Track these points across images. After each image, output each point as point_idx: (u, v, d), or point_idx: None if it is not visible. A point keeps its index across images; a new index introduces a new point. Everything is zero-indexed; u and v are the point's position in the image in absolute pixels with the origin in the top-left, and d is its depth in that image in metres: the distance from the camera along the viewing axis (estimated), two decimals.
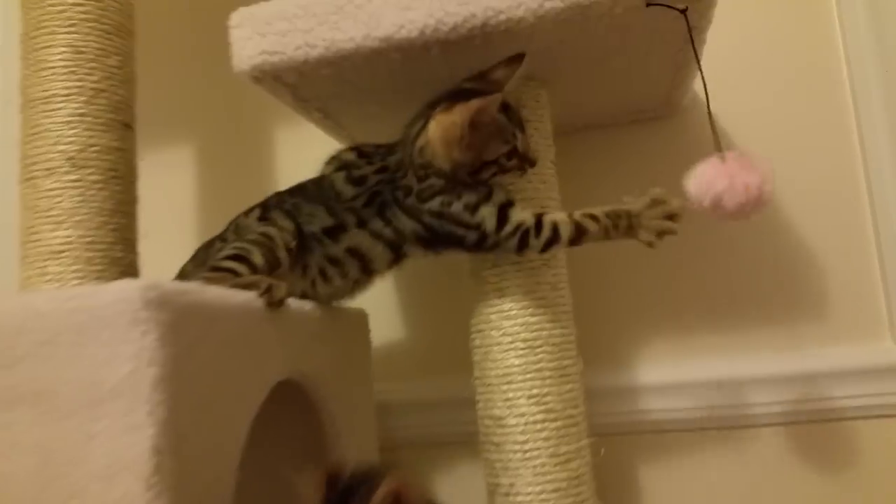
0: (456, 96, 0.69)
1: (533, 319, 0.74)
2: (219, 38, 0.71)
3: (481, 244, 0.70)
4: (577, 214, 0.69)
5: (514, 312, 0.74)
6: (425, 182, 0.70)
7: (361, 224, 0.74)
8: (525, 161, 0.71)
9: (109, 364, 0.50)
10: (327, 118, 0.83)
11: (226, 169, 1.15)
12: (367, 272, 0.76)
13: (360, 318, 0.91)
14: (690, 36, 0.66)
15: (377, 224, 0.73)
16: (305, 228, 0.75)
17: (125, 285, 0.51)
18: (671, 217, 0.68)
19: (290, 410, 0.78)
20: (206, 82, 1.16)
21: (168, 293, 0.51)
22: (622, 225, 0.68)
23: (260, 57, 0.69)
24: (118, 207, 0.78)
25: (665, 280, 0.97)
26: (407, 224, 0.72)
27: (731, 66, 0.96)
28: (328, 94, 0.77)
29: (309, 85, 0.73)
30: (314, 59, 0.68)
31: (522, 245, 0.69)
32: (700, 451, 0.93)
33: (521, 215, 0.69)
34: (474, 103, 0.65)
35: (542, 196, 0.76)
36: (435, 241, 0.72)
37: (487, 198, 0.69)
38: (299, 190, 0.79)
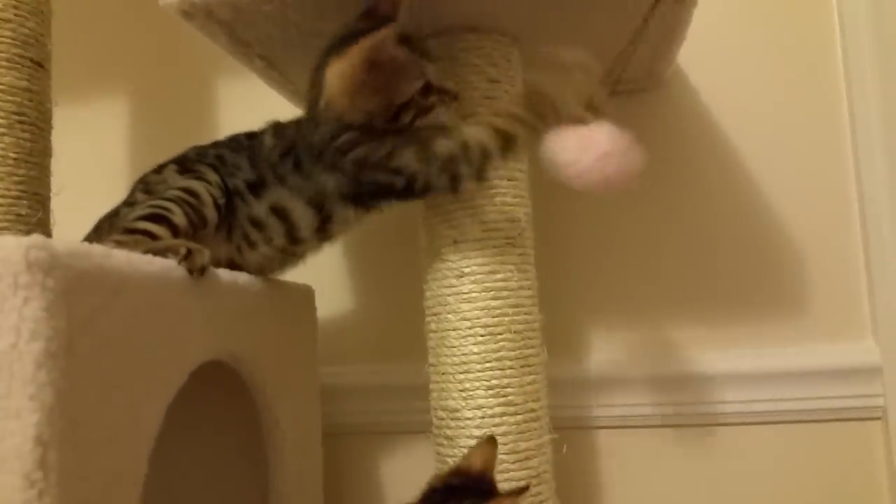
0: (348, 40, 0.60)
1: (494, 304, 0.68)
2: None
3: (411, 188, 0.63)
4: (493, 121, 0.62)
5: (474, 295, 0.68)
6: (342, 137, 0.63)
7: (281, 180, 0.67)
8: (445, 94, 0.63)
9: None
10: (271, 67, 0.75)
11: (160, 122, 1.06)
12: (293, 239, 0.68)
13: (306, 294, 0.84)
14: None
15: (295, 179, 0.66)
16: (229, 182, 0.68)
17: (5, 242, 0.42)
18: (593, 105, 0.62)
19: (221, 395, 0.72)
20: (140, 21, 1.06)
21: (60, 255, 0.43)
22: (547, 108, 0.61)
23: None
24: (26, 157, 0.69)
25: (641, 270, 0.92)
26: (328, 179, 0.65)
27: (724, 59, 0.91)
28: (271, 37, 0.68)
29: (247, 25, 0.65)
30: None
31: (454, 180, 0.62)
32: (672, 447, 0.89)
33: (443, 146, 0.62)
34: (365, 41, 0.58)
35: (509, 167, 0.70)
36: (361, 194, 0.65)
37: (409, 141, 0.62)
38: (225, 141, 0.72)
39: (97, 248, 0.47)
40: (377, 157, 0.62)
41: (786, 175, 0.89)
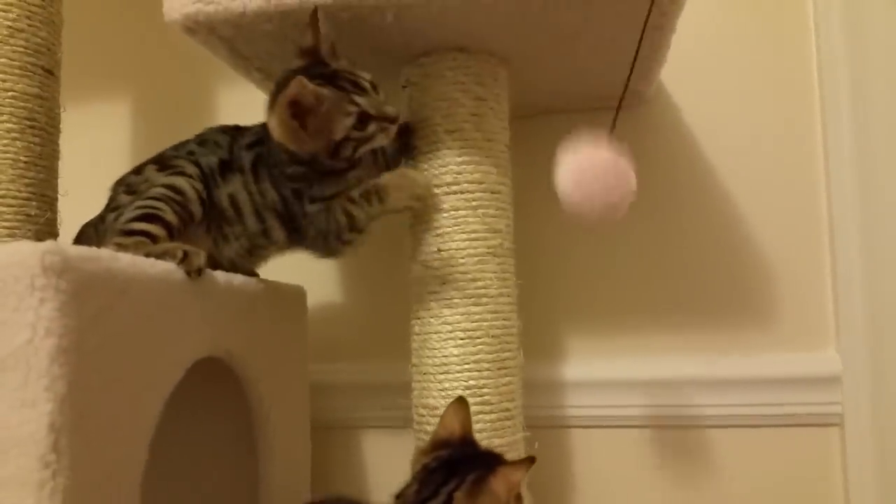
0: (285, 82, 0.64)
1: (475, 309, 0.72)
2: None
3: (305, 236, 0.70)
4: (344, 200, 0.69)
5: (456, 301, 0.72)
6: (291, 168, 0.68)
7: (240, 169, 0.70)
8: (384, 120, 0.66)
9: (2, 332, 0.46)
10: (269, 80, 0.78)
11: (161, 125, 1.08)
12: (249, 239, 0.72)
13: (298, 295, 0.88)
14: (644, 25, 0.64)
15: (248, 176, 0.70)
16: (204, 162, 0.70)
17: (23, 247, 0.46)
18: (419, 199, 0.71)
19: (217, 389, 0.75)
20: (143, 30, 1.09)
21: (72, 259, 0.47)
22: (374, 198, 0.68)
23: (194, 6, 0.64)
24: (35, 160, 0.72)
25: (615, 278, 0.96)
26: (269, 194, 0.70)
27: (704, 80, 0.95)
28: (269, 52, 0.72)
29: (247, 41, 0.69)
30: (252, 12, 0.63)
31: (325, 247, 0.70)
32: (640, 447, 0.93)
33: (312, 209, 0.69)
34: (283, 95, 0.62)
35: (492, 181, 0.74)
36: (286, 219, 0.70)
37: (329, 197, 0.68)
38: (216, 126, 0.75)
39: (105, 253, 0.51)
40: (305, 192, 0.68)
41: (759, 191, 0.93)
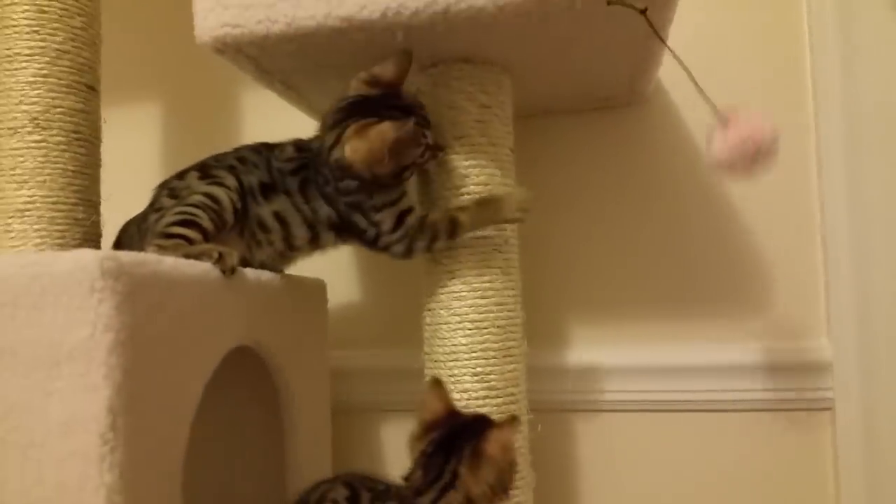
0: (364, 110, 0.71)
1: (482, 302, 0.77)
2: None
3: (376, 241, 0.75)
4: (451, 209, 0.75)
5: (464, 294, 0.77)
6: (345, 182, 0.73)
7: (287, 192, 0.76)
8: (437, 151, 0.75)
9: (68, 328, 0.53)
10: (290, 90, 0.85)
11: (190, 132, 1.15)
12: (290, 246, 0.78)
13: (319, 287, 0.94)
14: (655, 32, 0.68)
15: (297, 198, 0.76)
16: (244, 180, 0.76)
17: (84, 255, 0.53)
18: (524, 210, 0.76)
19: (247, 375, 0.82)
20: (171, 43, 1.15)
21: (125, 264, 0.54)
22: (489, 211, 0.75)
23: (222, 29, 0.70)
24: (81, 169, 0.79)
25: (616, 271, 1.00)
26: (322, 209, 0.75)
27: (701, 79, 0.96)
28: (291, 68, 0.78)
29: (271, 58, 0.75)
30: (275, 35, 0.69)
31: (409, 249, 0.75)
32: (635, 431, 0.98)
33: (411, 221, 0.75)
34: (390, 133, 0.68)
35: (496, 182, 0.79)
36: (343, 229, 0.76)
37: (395, 202, 0.74)
38: (249, 145, 0.80)
39: (152, 257, 0.58)
40: (367, 206, 0.74)
41: (754, 187, 0.96)
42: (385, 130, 0.68)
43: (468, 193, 0.79)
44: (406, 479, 0.66)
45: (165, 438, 0.58)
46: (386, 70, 0.72)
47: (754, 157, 0.69)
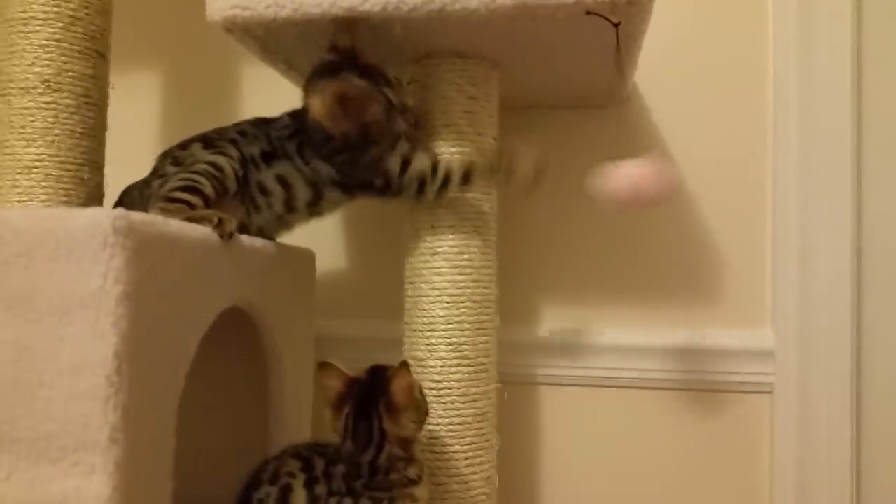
0: (325, 72, 0.76)
1: (460, 278, 0.83)
2: None
3: (387, 189, 0.80)
4: (468, 157, 0.80)
5: (443, 270, 0.83)
6: (329, 145, 0.78)
7: (287, 156, 0.81)
8: (405, 112, 0.79)
9: (80, 279, 0.57)
10: (291, 69, 0.89)
11: (190, 103, 1.19)
12: (290, 208, 0.82)
13: (308, 257, 0.99)
14: (618, 46, 0.74)
15: (297, 161, 0.80)
16: (245, 151, 0.80)
17: (98, 212, 0.58)
18: (540, 171, 0.80)
19: (237, 335, 0.86)
20: (176, 16, 1.18)
21: (135, 223, 0.59)
22: (504, 165, 0.79)
23: (232, 10, 0.74)
24: (89, 132, 0.83)
25: (583, 258, 1.07)
26: (323, 168, 0.80)
27: (672, 86, 1.05)
28: (294, 49, 0.82)
29: (276, 40, 0.79)
30: (282, 19, 0.74)
31: (420, 190, 0.79)
32: (594, 404, 1.06)
33: (420, 163, 0.79)
34: (334, 87, 0.73)
35: None
36: (349, 184, 0.81)
37: (393, 149, 0.78)
38: (249, 119, 0.85)
39: (159, 219, 0.63)
40: (365, 160, 0.78)
41: (712, 188, 1.04)
42: (334, 88, 0.73)
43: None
44: (343, 445, 0.71)
45: (163, 385, 0.64)
46: (342, 37, 0.77)
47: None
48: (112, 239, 0.57)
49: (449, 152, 0.84)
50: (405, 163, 0.78)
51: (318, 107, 0.74)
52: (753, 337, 1.02)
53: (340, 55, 0.76)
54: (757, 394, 1.02)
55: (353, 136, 0.76)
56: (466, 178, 0.80)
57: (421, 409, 0.71)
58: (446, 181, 0.79)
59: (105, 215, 0.57)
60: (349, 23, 0.75)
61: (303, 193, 0.81)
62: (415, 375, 0.72)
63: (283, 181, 0.81)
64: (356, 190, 0.81)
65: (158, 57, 1.22)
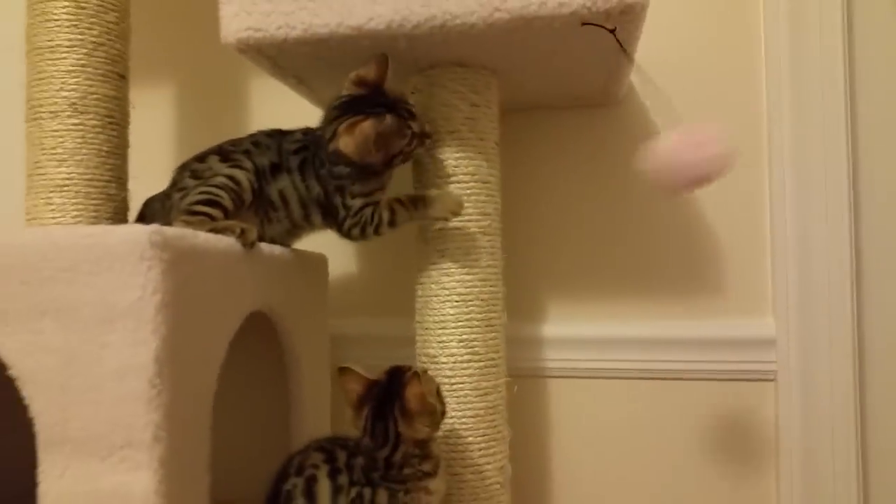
0: (354, 108, 0.81)
1: (468, 277, 0.87)
2: None
3: (343, 223, 0.84)
4: (392, 202, 0.84)
5: (452, 270, 0.87)
6: (339, 167, 0.82)
7: (289, 170, 0.85)
8: (423, 138, 0.83)
9: (121, 290, 0.62)
10: (301, 84, 0.93)
11: (201, 118, 1.24)
12: (291, 222, 0.86)
13: (321, 261, 1.03)
14: (622, 48, 0.78)
15: (296, 176, 0.84)
16: (258, 162, 0.84)
17: (135, 229, 0.63)
18: (453, 213, 0.84)
19: (259, 338, 0.91)
20: (187, 34, 1.23)
21: (169, 237, 0.64)
22: (420, 205, 0.84)
23: (245, 32, 0.78)
24: (114, 150, 0.87)
25: (586, 253, 1.11)
26: (314, 188, 0.84)
27: (667, 83, 1.05)
28: (303, 66, 0.87)
29: (287, 58, 0.84)
30: (293, 39, 0.78)
31: (361, 234, 0.85)
32: (600, 395, 1.10)
33: (367, 211, 0.84)
34: (371, 129, 0.78)
35: (483, 172, 0.89)
36: (325, 207, 0.85)
37: (369, 194, 0.83)
38: (264, 130, 0.88)
39: (189, 232, 0.68)
40: (348, 190, 0.83)
41: (712, 184, 1.08)
42: (367, 127, 0.78)
43: (458, 182, 0.88)
44: (363, 440, 0.76)
45: (199, 385, 0.69)
46: (369, 72, 0.81)
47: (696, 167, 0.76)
48: (149, 253, 0.62)
49: (453, 157, 0.89)
50: (364, 206, 0.83)
51: (350, 143, 0.78)
52: (755, 326, 1.06)
53: (367, 89, 0.81)
54: (760, 381, 1.05)
55: (377, 165, 0.82)
56: (392, 222, 0.84)
57: (435, 414, 0.74)
58: (378, 224, 0.84)
59: (142, 231, 0.62)
60: (378, 58, 0.80)
61: (297, 210, 0.86)
62: (431, 380, 0.75)
63: (282, 197, 0.85)
64: (328, 215, 0.85)
65: (169, 73, 1.26)
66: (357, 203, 0.83)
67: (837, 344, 1.02)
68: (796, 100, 1.04)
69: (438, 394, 0.76)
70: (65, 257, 0.63)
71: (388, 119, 0.79)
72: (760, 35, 1.07)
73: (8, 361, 0.64)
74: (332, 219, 0.85)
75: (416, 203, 0.84)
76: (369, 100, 0.80)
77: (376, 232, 0.84)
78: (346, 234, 0.86)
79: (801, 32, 1.04)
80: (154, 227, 0.63)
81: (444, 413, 0.76)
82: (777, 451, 1.05)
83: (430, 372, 0.79)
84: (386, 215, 0.84)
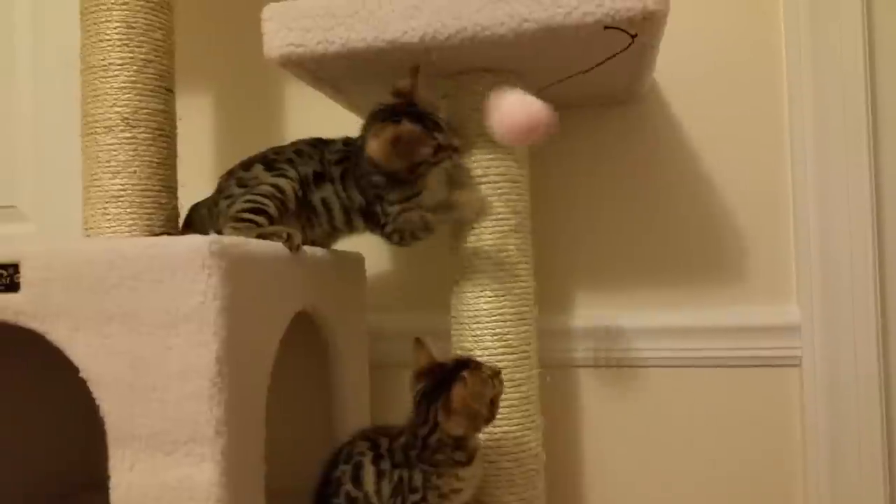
0: (385, 115, 0.85)
1: (500, 273, 0.91)
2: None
3: (383, 229, 0.89)
4: (423, 211, 0.88)
5: (485, 267, 0.91)
6: (374, 176, 0.87)
7: (332, 180, 0.89)
8: (451, 149, 0.87)
9: (183, 297, 0.67)
10: (338, 93, 0.98)
11: (239, 120, 1.29)
12: (332, 227, 0.91)
13: (358, 260, 1.08)
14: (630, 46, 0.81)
15: (338, 186, 0.89)
16: (302, 171, 0.88)
17: (195, 239, 0.68)
18: (479, 215, 0.90)
19: (301, 335, 0.94)
20: (225, 47, 1.28)
21: (227, 246, 0.68)
22: (448, 210, 0.89)
23: (287, 48, 0.83)
24: (163, 161, 0.92)
25: (613, 246, 1.14)
26: (356, 197, 0.89)
27: (690, 80, 1.11)
28: (340, 76, 0.91)
29: (326, 70, 0.88)
30: (332, 53, 0.82)
31: (400, 241, 0.89)
32: (629, 383, 1.14)
33: (401, 219, 0.87)
34: (389, 129, 0.82)
35: (513, 172, 0.93)
36: (368, 215, 0.89)
37: (405, 200, 0.87)
38: (306, 139, 0.92)
39: (242, 240, 0.73)
40: (386, 198, 0.87)
41: (734, 171, 1.10)
42: (393, 131, 0.82)
43: (489, 182, 0.92)
44: (409, 414, 0.81)
45: (255, 383, 0.74)
46: (405, 83, 0.85)
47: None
48: (209, 261, 0.67)
49: (485, 158, 0.92)
50: (402, 211, 0.88)
51: (376, 147, 0.82)
52: (780, 312, 1.09)
53: (400, 98, 0.85)
54: (786, 367, 1.08)
55: (403, 172, 0.85)
56: (426, 228, 0.89)
57: (477, 419, 0.76)
58: (412, 234, 0.89)
59: (202, 241, 0.67)
60: (411, 70, 0.84)
61: (339, 216, 0.90)
62: (486, 385, 0.77)
63: (325, 204, 0.90)
64: (370, 222, 0.90)
65: (206, 82, 1.31)
66: (395, 209, 0.88)
67: (861, 329, 1.04)
68: (818, 88, 1.06)
69: (492, 401, 0.78)
70: (131, 266, 0.69)
71: (407, 125, 0.83)
72: (780, 24, 1.09)
73: (80, 364, 0.70)
74: (375, 225, 0.90)
75: (445, 208, 0.89)
76: (399, 109, 0.84)
77: (413, 237, 0.89)
78: (389, 239, 0.90)
79: (820, 20, 1.05)
80: (213, 237, 0.68)
81: (489, 420, 0.78)
82: (804, 436, 1.07)
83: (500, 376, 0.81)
84: (419, 221, 0.88)
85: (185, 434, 0.67)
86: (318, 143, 0.92)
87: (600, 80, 1.01)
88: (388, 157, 0.83)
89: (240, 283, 0.70)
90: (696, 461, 1.11)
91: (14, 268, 0.72)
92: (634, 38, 0.79)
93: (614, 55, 0.82)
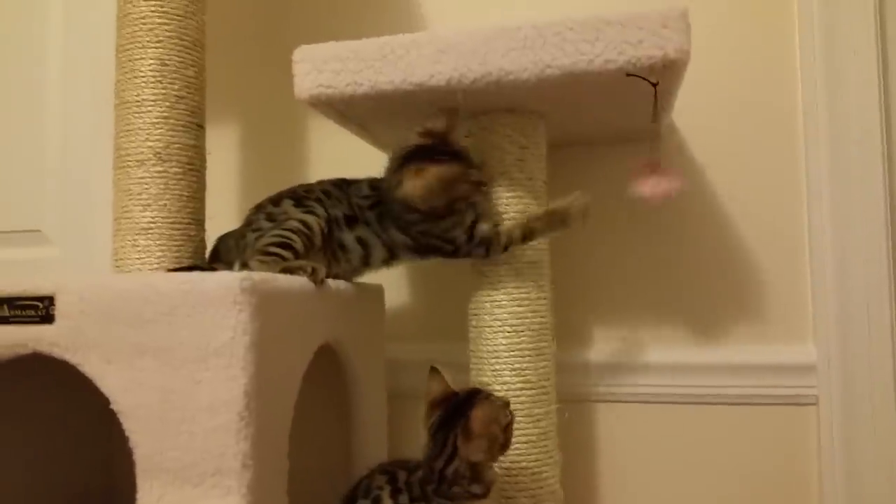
0: (421, 155, 0.87)
1: (519, 309, 0.93)
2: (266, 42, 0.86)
3: (456, 253, 0.91)
4: (526, 218, 0.90)
5: (504, 302, 0.93)
6: (409, 214, 0.89)
7: (367, 223, 0.92)
8: (481, 185, 0.89)
9: (214, 332, 0.69)
10: (364, 131, 1.00)
11: (264, 154, 1.32)
12: (366, 263, 0.93)
13: (378, 292, 1.09)
14: (655, 102, 0.83)
15: (376, 227, 0.91)
16: (331, 212, 0.91)
17: (227, 276, 0.70)
18: (584, 215, 0.91)
19: (321, 366, 0.96)
20: (249, 83, 1.31)
21: (257, 282, 0.70)
22: (557, 219, 0.90)
23: (317, 89, 0.85)
24: (193, 195, 0.95)
25: (629, 282, 1.16)
26: (398, 237, 0.91)
27: (705, 120, 1.13)
28: (367, 116, 0.94)
29: (353, 110, 0.91)
30: (360, 95, 0.85)
31: (487, 251, 0.90)
32: (646, 419, 1.14)
33: (483, 229, 0.90)
34: (440, 173, 0.84)
35: (532, 210, 0.94)
36: (421, 249, 0.92)
37: (459, 222, 0.89)
38: (331, 180, 0.95)
39: (270, 276, 0.75)
40: (438, 230, 0.89)
41: (750, 208, 1.12)
42: (437, 171, 0.84)
43: (509, 219, 0.94)
44: (425, 448, 0.81)
45: (280, 415, 0.75)
46: (437, 123, 0.88)
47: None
48: (240, 297, 0.69)
49: (505, 196, 0.94)
50: (471, 232, 0.90)
51: (419, 187, 0.85)
52: (796, 352, 1.09)
53: (430, 139, 0.87)
54: (802, 406, 1.08)
55: (440, 209, 0.88)
56: (527, 238, 0.91)
57: (495, 443, 0.77)
58: (509, 241, 0.90)
59: (232, 278, 0.69)
60: (449, 111, 0.87)
61: (379, 253, 0.93)
62: (502, 412, 0.78)
63: (362, 242, 0.92)
64: (428, 253, 0.92)
65: (234, 119, 1.34)
66: (457, 233, 0.89)
67: (877, 368, 1.05)
68: (833, 129, 1.07)
69: (506, 428, 0.79)
70: (164, 302, 0.71)
71: (455, 166, 0.85)
72: (797, 73, 1.11)
73: (111, 396, 0.72)
74: (437, 254, 0.92)
75: (553, 215, 0.90)
76: (433, 149, 0.86)
77: (506, 249, 0.91)
78: (469, 256, 0.92)
79: (836, 64, 1.07)
80: (244, 273, 0.70)
81: (504, 446, 0.79)
82: (820, 475, 1.07)
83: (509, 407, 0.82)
84: (518, 234, 0.90)
85: (213, 466, 0.69)
86: (343, 185, 0.94)
87: (618, 119, 1.04)
88: (430, 196, 0.85)
89: (268, 319, 0.71)
90: (712, 498, 1.11)
91: (49, 300, 0.74)
92: (656, 86, 0.81)
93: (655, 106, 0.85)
